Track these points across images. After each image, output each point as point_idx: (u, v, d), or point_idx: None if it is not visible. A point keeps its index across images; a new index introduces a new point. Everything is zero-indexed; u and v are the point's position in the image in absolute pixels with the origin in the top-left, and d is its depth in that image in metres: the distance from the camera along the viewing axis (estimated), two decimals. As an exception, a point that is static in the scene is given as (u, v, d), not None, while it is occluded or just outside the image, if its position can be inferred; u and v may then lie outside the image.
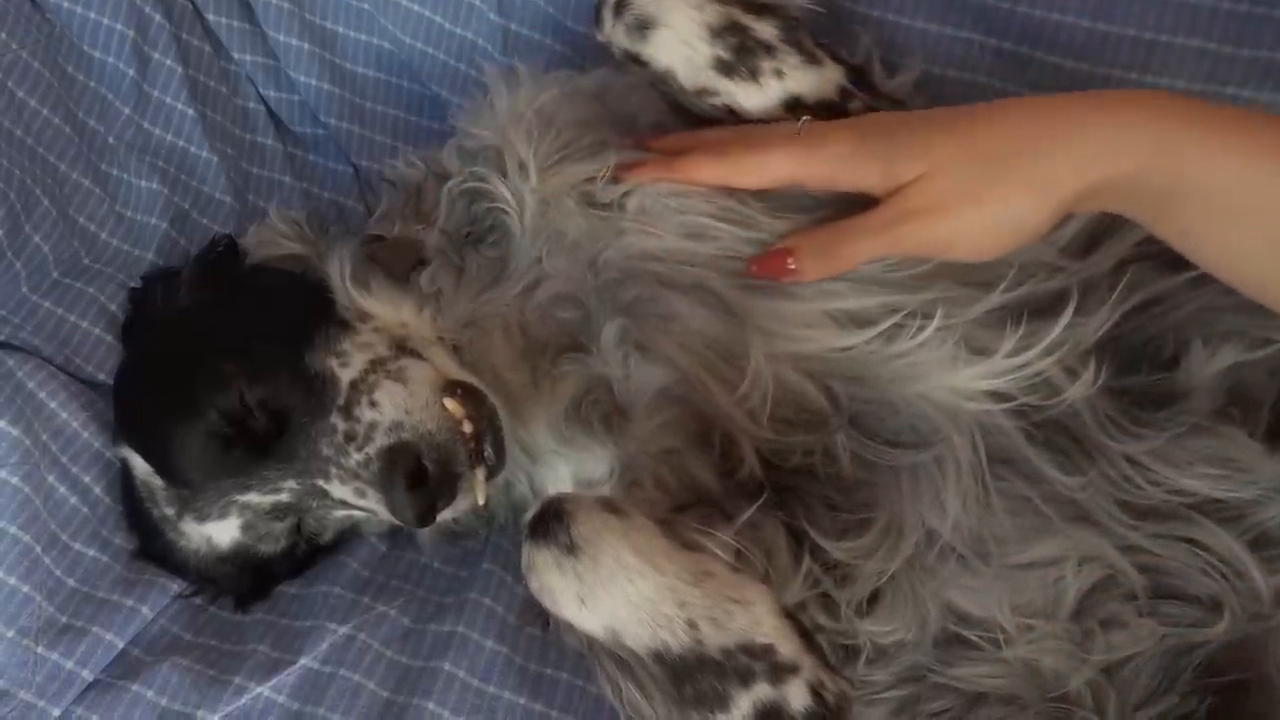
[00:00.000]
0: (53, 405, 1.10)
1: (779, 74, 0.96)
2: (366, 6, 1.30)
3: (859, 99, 0.98)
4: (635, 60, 0.99)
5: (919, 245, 0.87)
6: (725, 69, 0.96)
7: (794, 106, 0.97)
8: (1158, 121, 0.78)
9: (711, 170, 0.95)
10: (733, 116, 0.99)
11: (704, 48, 0.96)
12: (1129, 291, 0.93)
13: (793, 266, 0.91)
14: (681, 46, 0.97)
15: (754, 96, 0.97)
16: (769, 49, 0.96)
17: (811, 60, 0.97)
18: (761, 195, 0.96)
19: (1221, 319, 0.95)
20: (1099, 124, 0.80)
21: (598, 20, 1.01)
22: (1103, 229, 0.97)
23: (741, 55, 0.96)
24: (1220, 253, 0.80)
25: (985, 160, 0.84)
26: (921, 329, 0.91)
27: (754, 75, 0.96)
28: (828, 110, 0.97)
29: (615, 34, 0.99)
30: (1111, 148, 0.79)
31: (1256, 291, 0.79)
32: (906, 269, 0.93)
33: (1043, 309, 0.91)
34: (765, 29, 0.97)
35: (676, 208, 0.98)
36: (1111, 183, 0.80)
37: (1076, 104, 0.83)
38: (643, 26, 0.97)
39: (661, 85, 1.00)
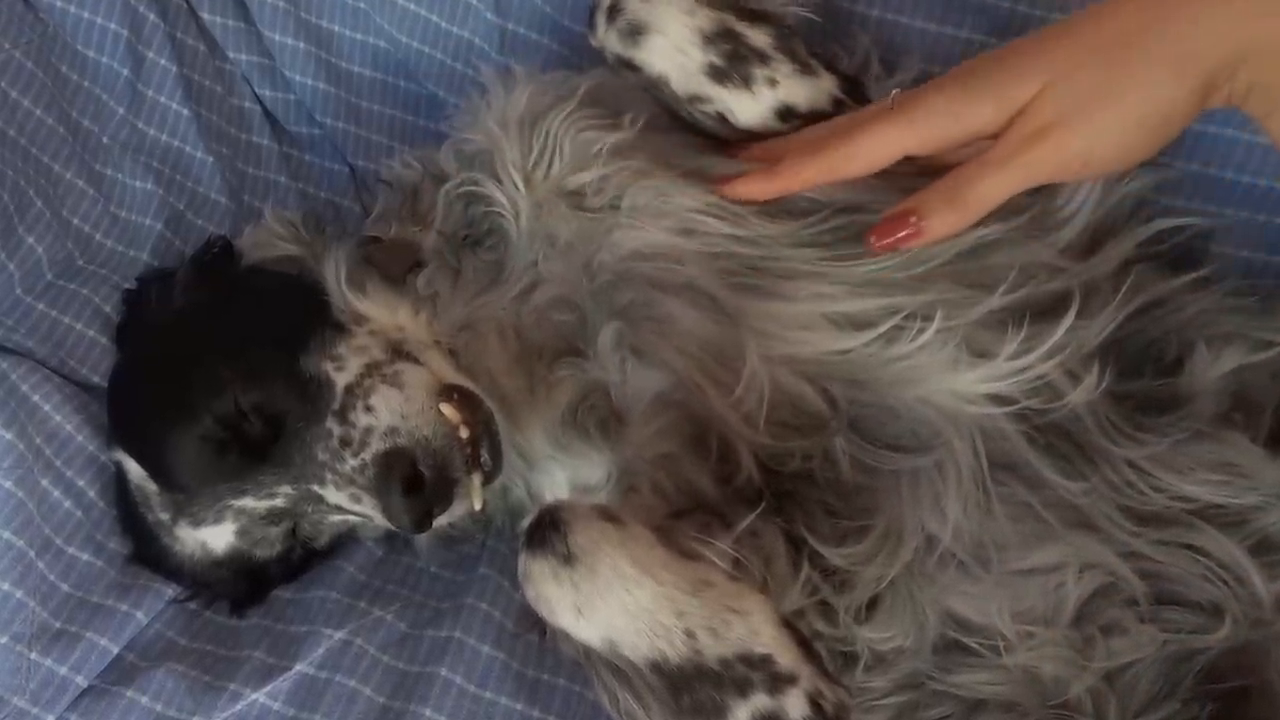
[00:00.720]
0: (46, 408, 1.09)
1: (772, 82, 0.95)
2: (363, 5, 1.30)
3: (852, 110, 0.96)
4: (628, 66, 0.99)
5: (1055, 169, 0.82)
6: (718, 76, 0.95)
7: (787, 116, 0.96)
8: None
9: (815, 169, 0.91)
10: (725, 125, 0.98)
11: (697, 54, 0.95)
12: (1131, 294, 0.92)
13: (916, 224, 0.85)
14: (674, 53, 0.96)
15: (747, 105, 0.96)
16: (762, 57, 0.95)
17: (805, 69, 0.96)
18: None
19: (1222, 321, 0.94)
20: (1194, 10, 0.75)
21: (591, 25, 1.00)
22: (1104, 230, 0.96)
23: (734, 62, 0.95)
24: None
25: (1110, 50, 0.77)
26: (921, 331, 0.90)
27: (747, 83, 0.95)
28: (819, 121, 0.95)
29: (608, 39, 0.98)
30: (1250, 4, 0.73)
31: None
32: (905, 269, 0.92)
33: (1044, 311, 0.91)
34: (759, 36, 0.96)
35: (664, 206, 0.97)
36: (1254, 47, 0.74)
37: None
38: (635, 32, 0.96)
39: (655, 91, 0.99)
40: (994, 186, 0.83)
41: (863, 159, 0.88)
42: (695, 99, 0.97)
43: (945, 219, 0.85)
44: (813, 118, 0.96)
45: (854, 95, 0.97)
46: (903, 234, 0.86)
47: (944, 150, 0.86)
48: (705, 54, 0.95)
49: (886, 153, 0.87)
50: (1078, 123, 0.79)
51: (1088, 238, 0.95)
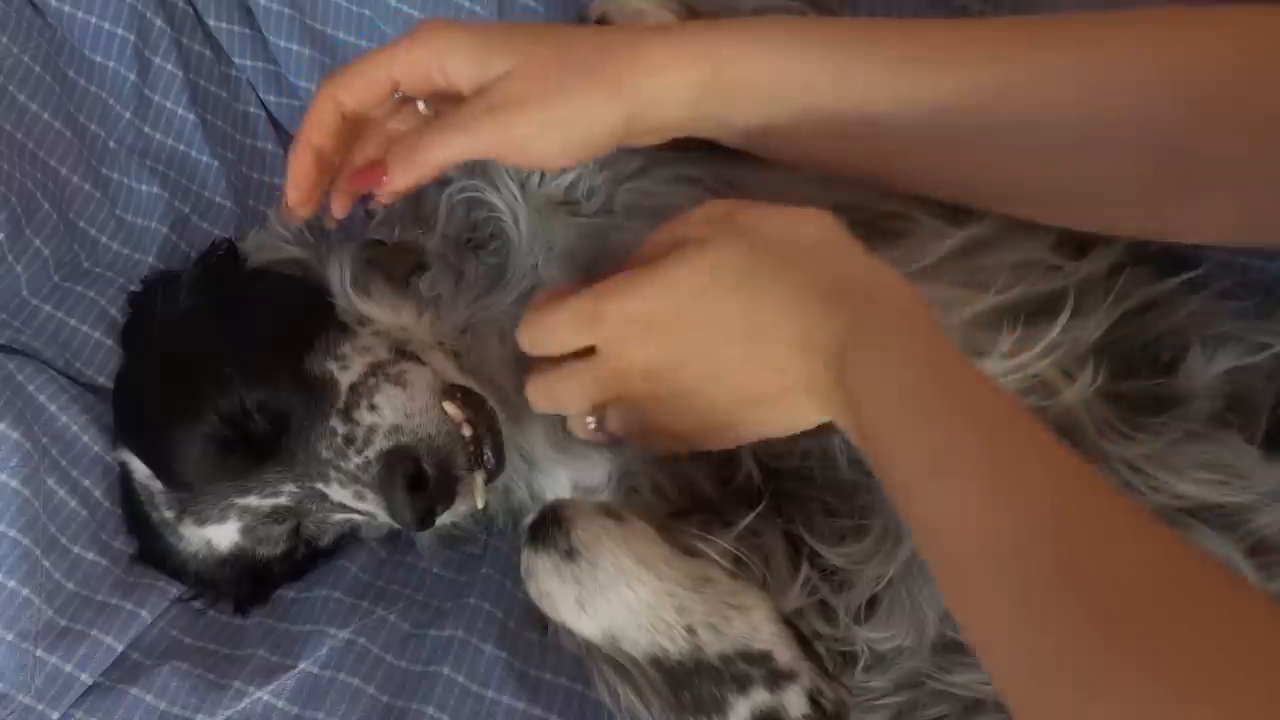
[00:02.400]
0: (52, 409, 1.10)
1: None
2: (367, 13, 1.31)
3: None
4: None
5: (498, 144, 0.86)
6: None
7: None
8: (709, 38, 0.84)
9: (320, 108, 0.93)
10: None
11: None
12: (1125, 293, 0.92)
13: (385, 177, 0.89)
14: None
15: None
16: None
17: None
18: (731, 184, 0.97)
19: (1216, 323, 0.95)
20: (666, 42, 0.84)
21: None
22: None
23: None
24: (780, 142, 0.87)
25: (570, 63, 0.84)
26: None
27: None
28: None
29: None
30: (673, 58, 0.83)
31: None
32: (897, 269, 0.92)
33: (1038, 311, 0.91)
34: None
35: (652, 205, 0.98)
36: (676, 88, 0.84)
37: (666, 26, 0.89)
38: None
39: None
40: (448, 146, 0.86)
41: (354, 85, 0.91)
42: None
43: (407, 173, 0.88)
44: None
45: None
46: (375, 183, 0.89)
47: (421, 88, 0.90)
48: None
49: (380, 74, 0.89)
50: (523, 112, 0.83)
51: (1078, 238, 0.96)
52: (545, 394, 0.88)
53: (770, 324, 0.77)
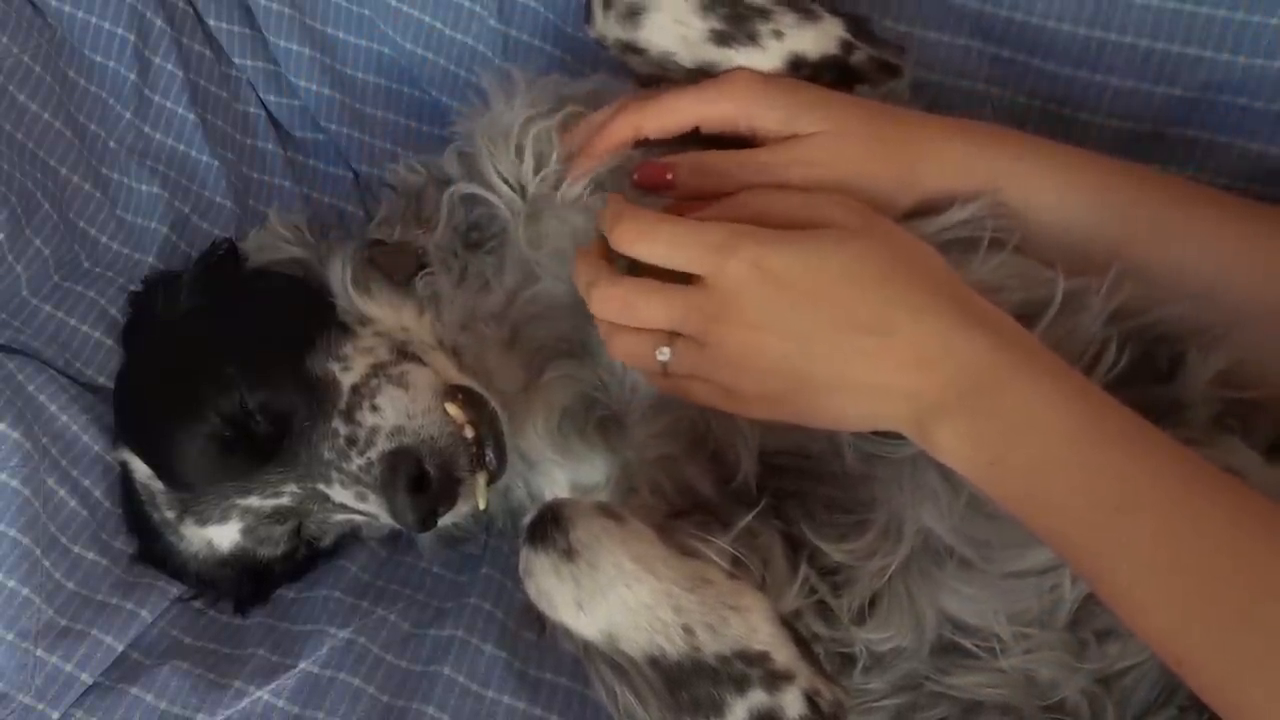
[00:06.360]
0: (53, 408, 1.10)
1: (778, 35, 0.94)
2: (367, 12, 1.31)
3: (861, 50, 0.96)
4: (632, 49, 0.98)
5: (801, 183, 0.90)
6: (723, 40, 0.94)
7: (798, 66, 0.95)
8: (996, 147, 0.91)
9: (621, 127, 0.96)
10: None
11: (698, 22, 0.94)
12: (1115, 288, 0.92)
13: (669, 178, 0.93)
14: (675, 25, 0.95)
15: (758, 62, 0.95)
16: (763, 12, 0.94)
17: (808, 16, 0.95)
18: None
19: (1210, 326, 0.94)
20: (958, 144, 0.91)
21: (588, 15, 0.99)
22: None
23: (736, 23, 0.94)
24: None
25: (880, 140, 0.90)
26: None
27: (753, 40, 0.94)
28: (832, 66, 0.96)
29: (608, 26, 0.98)
30: (964, 166, 0.91)
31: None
32: None
33: (1035, 315, 0.90)
34: None
35: (651, 203, 0.97)
36: (955, 199, 0.91)
37: (949, 124, 0.93)
38: (633, 13, 0.96)
39: (661, 70, 0.98)
40: (743, 178, 0.91)
41: (662, 118, 0.95)
42: (704, 67, 0.96)
43: (695, 184, 0.93)
44: (824, 64, 0.95)
45: (860, 35, 0.97)
46: (658, 182, 0.94)
47: (723, 131, 0.94)
48: (705, 21, 0.94)
49: (684, 115, 0.94)
50: (834, 172, 0.90)
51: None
52: (622, 301, 0.87)
53: (900, 326, 0.79)
